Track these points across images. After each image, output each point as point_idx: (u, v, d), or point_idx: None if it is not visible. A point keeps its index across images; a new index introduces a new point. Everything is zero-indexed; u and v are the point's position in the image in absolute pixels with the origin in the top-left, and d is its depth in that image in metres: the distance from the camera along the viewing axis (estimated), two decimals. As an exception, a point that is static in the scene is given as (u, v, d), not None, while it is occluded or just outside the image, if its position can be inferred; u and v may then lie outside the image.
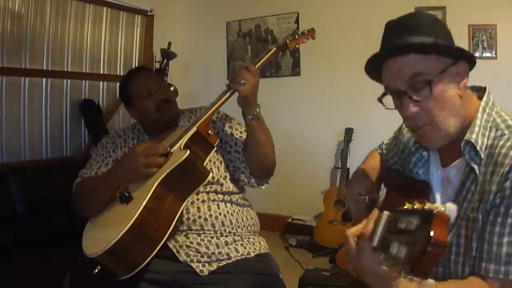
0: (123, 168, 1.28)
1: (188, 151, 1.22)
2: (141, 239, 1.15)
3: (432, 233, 0.55)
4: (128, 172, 1.25)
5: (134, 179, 1.25)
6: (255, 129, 1.34)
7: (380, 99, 0.96)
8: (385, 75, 0.92)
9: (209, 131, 1.33)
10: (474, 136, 0.87)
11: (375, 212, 0.71)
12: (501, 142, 0.84)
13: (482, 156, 0.86)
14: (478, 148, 0.86)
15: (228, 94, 1.34)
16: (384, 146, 1.31)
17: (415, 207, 0.62)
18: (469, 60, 0.89)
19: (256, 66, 1.35)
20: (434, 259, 0.55)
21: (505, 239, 0.80)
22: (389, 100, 0.94)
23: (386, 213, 0.68)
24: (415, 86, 0.86)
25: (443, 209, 0.59)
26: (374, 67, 0.94)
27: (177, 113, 1.54)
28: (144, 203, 1.15)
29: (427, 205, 0.61)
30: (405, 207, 0.64)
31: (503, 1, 2.75)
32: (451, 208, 0.60)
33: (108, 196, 1.30)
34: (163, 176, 1.20)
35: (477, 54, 2.79)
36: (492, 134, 0.87)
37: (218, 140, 1.37)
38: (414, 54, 0.85)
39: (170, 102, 1.51)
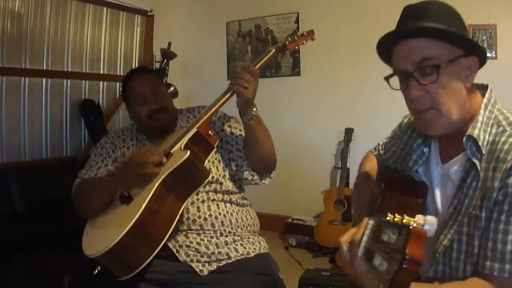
0: (121, 176, 1.28)
1: (189, 152, 1.22)
2: (142, 240, 1.15)
3: (407, 250, 0.54)
4: (127, 180, 1.26)
5: (132, 186, 1.26)
6: (254, 129, 1.35)
7: (387, 78, 0.96)
8: (395, 56, 0.92)
9: (209, 132, 1.33)
10: (476, 131, 0.87)
11: (365, 220, 0.71)
12: (503, 138, 0.84)
13: (484, 151, 0.86)
14: (480, 143, 0.86)
15: (228, 95, 1.34)
16: (380, 147, 1.31)
17: (395, 219, 0.61)
18: (480, 56, 0.89)
19: (256, 67, 1.35)
20: (410, 275, 0.55)
21: (510, 237, 0.80)
22: (395, 81, 0.94)
23: (371, 222, 0.68)
24: (423, 69, 0.86)
25: (422, 222, 0.59)
26: (386, 47, 0.94)
27: (171, 120, 1.53)
28: (145, 203, 1.15)
29: (406, 218, 0.60)
30: (388, 218, 0.63)
31: (503, 1, 2.76)
32: (431, 222, 0.59)
33: (107, 200, 1.30)
34: (163, 176, 1.20)
35: (477, 54, 2.79)
36: (494, 131, 0.87)
37: (218, 141, 1.38)
38: (427, 38, 0.86)
39: (163, 112, 1.47)
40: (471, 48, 0.88)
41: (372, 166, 1.29)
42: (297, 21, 3.37)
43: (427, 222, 0.59)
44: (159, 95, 1.50)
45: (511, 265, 0.80)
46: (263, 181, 1.47)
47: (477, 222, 0.85)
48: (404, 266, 0.54)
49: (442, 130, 0.91)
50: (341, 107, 3.25)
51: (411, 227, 0.57)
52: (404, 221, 0.60)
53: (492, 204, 0.83)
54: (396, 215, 0.62)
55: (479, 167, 0.86)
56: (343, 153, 3.06)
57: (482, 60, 0.90)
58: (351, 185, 2.50)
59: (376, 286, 0.59)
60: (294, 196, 3.41)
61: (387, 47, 0.94)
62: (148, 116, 1.46)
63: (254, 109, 1.33)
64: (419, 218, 0.59)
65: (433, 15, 0.87)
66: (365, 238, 0.67)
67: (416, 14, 0.89)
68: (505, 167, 0.81)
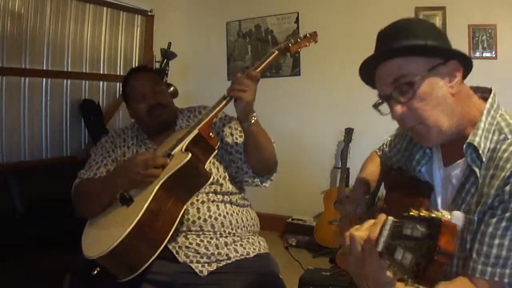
0: (122, 177, 1.27)
1: (190, 154, 1.22)
2: (143, 242, 1.15)
3: (440, 242, 0.55)
4: (127, 182, 1.25)
5: (133, 187, 1.25)
6: (254, 135, 1.34)
7: (376, 106, 0.97)
8: (376, 82, 0.94)
9: (210, 134, 1.33)
10: (477, 139, 0.86)
11: (382, 216, 0.70)
12: (503, 146, 0.84)
13: (484, 159, 0.86)
14: (480, 151, 0.86)
15: (229, 98, 1.34)
16: (385, 145, 1.31)
17: (421, 214, 0.62)
18: (461, 59, 0.88)
19: (258, 70, 1.35)
20: (441, 267, 0.55)
21: (496, 241, 0.80)
22: (385, 107, 0.95)
23: (391, 218, 0.68)
24: (399, 88, 0.87)
25: (449, 217, 0.59)
26: (368, 75, 0.95)
27: (171, 117, 1.52)
28: (146, 205, 1.15)
29: (434, 213, 0.60)
30: (411, 213, 0.63)
31: (503, 1, 2.76)
32: (457, 217, 0.60)
33: (107, 200, 1.30)
34: (164, 179, 1.20)
35: (477, 54, 2.80)
36: (495, 138, 0.87)
37: (219, 143, 1.37)
38: (401, 57, 0.87)
39: (162, 107, 1.48)
40: (448, 54, 0.88)
41: (373, 169, 1.29)
42: (297, 21, 3.37)
43: (454, 218, 0.59)
44: (158, 92, 1.50)
45: (493, 268, 0.80)
46: (263, 184, 1.46)
47: (470, 226, 0.85)
48: (436, 258, 0.54)
49: (437, 141, 0.91)
50: (341, 107, 3.25)
51: (443, 220, 0.57)
52: (433, 215, 0.60)
53: (487, 209, 0.83)
54: (422, 210, 0.63)
55: (478, 174, 0.86)
56: (343, 153, 3.06)
57: (466, 63, 0.89)
58: (351, 185, 2.50)
59: (403, 278, 0.59)
60: (294, 196, 3.40)
61: (368, 75, 0.95)
62: (147, 112, 1.46)
63: (254, 115, 1.32)
64: (445, 213, 0.60)
65: (406, 32, 0.88)
66: (385, 233, 0.66)
67: (389, 36, 0.90)
68: (503, 175, 0.81)
